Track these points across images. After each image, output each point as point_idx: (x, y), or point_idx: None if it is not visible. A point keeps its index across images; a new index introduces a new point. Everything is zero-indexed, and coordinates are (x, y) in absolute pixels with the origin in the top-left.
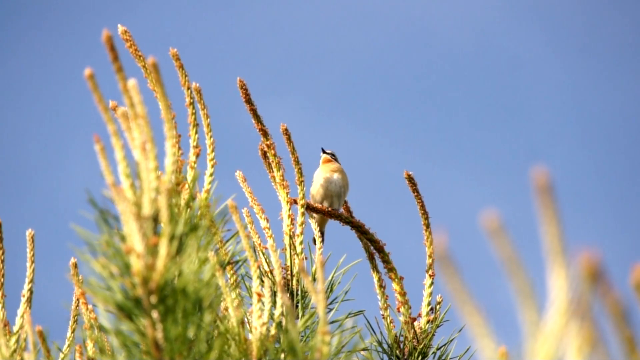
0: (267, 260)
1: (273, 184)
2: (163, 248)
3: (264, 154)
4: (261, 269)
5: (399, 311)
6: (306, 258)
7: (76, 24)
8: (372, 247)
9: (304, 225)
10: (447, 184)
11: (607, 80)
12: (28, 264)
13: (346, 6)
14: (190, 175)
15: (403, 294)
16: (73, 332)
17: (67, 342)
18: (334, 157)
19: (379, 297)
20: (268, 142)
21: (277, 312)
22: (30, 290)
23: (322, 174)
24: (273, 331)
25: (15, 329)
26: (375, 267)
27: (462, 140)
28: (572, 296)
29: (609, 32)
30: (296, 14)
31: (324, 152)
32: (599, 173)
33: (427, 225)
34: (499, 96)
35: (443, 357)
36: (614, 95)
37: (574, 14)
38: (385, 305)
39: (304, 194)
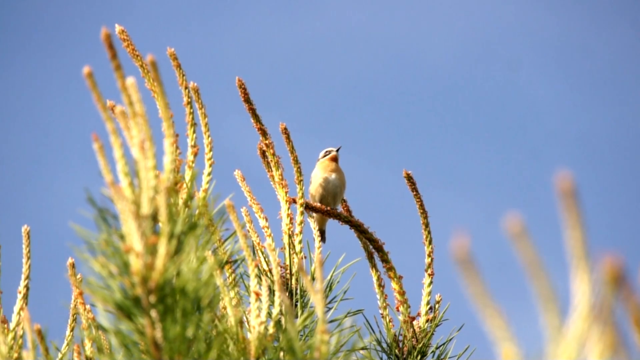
0: (266, 260)
1: (272, 183)
2: (162, 247)
3: (263, 153)
4: (260, 267)
5: (398, 310)
6: (305, 257)
7: (70, 27)
8: (371, 246)
9: (303, 225)
10: (442, 200)
11: (604, 89)
12: (24, 261)
13: (335, 27)
14: (188, 174)
15: (402, 293)
16: (72, 331)
17: (65, 342)
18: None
19: (378, 296)
20: (267, 141)
21: (275, 311)
22: (27, 287)
23: (321, 173)
24: (271, 330)
25: (12, 325)
26: (374, 266)
27: (457, 157)
28: (594, 301)
29: (605, 42)
30: (281, 34)
31: (331, 151)
32: (616, 178)
33: (426, 225)
34: (491, 110)
35: (442, 356)
36: (612, 101)
37: (569, 29)
38: (384, 304)
39: (303, 193)
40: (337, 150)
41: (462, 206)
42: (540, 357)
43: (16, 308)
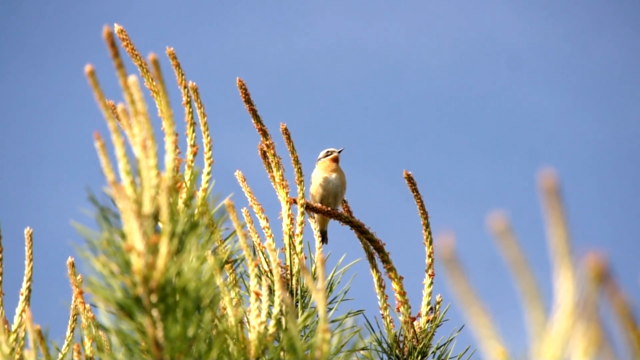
0: (267, 260)
1: (272, 183)
2: (163, 246)
3: (264, 153)
4: (260, 267)
5: (398, 311)
6: (305, 257)
7: (66, 32)
8: (371, 247)
9: (303, 225)
10: (438, 208)
11: (602, 96)
12: (26, 262)
13: (330, 37)
14: (188, 173)
15: (402, 294)
16: (72, 331)
17: (66, 342)
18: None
19: (378, 296)
20: (267, 142)
21: (275, 311)
22: (29, 289)
23: (322, 173)
24: (271, 330)
25: (13, 327)
26: (374, 267)
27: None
28: (578, 298)
29: (602, 49)
30: (274, 47)
31: (333, 151)
32: (604, 176)
33: (427, 225)
34: (488, 117)
35: (442, 357)
36: (610, 108)
37: (566, 36)
38: (384, 304)
39: (303, 194)
40: (339, 152)
41: (459, 213)
42: (525, 354)
43: (18, 310)
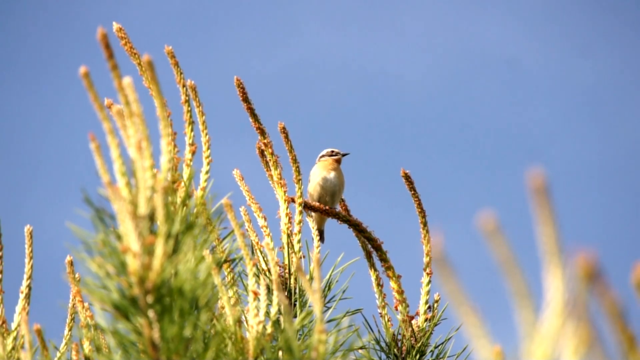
0: (265, 259)
1: (270, 182)
2: (159, 247)
3: (262, 152)
4: (258, 267)
5: (396, 309)
6: (304, 256)
7: (63, 34)
8: (369, 246)
9: (301, 224)
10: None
11: (600, 108)
12: (27, 260)
13: (323, 51)
14: (186, 173)
15: (401, 292)
16: (70, 330)
17: (64, 341)
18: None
19: (376, 295)
20: (265, 141)
21: (273, 310)
22: (29, 287)
23: (320, 172)
24: (269, 329)
25: (13, 326)
26: (372, 266)
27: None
28: (568, 297)
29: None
30: (261, 62)
31: (338, 152)
32: (594, 174)
33: (425, 224)
34: (482, 129)
35: (441, 355)
36: (608, 119)
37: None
38: (382, 303)
39: (301, 193)
40: (344, 155)
41: (456, 222)
42: (515, 354)
43: (18, 308)
